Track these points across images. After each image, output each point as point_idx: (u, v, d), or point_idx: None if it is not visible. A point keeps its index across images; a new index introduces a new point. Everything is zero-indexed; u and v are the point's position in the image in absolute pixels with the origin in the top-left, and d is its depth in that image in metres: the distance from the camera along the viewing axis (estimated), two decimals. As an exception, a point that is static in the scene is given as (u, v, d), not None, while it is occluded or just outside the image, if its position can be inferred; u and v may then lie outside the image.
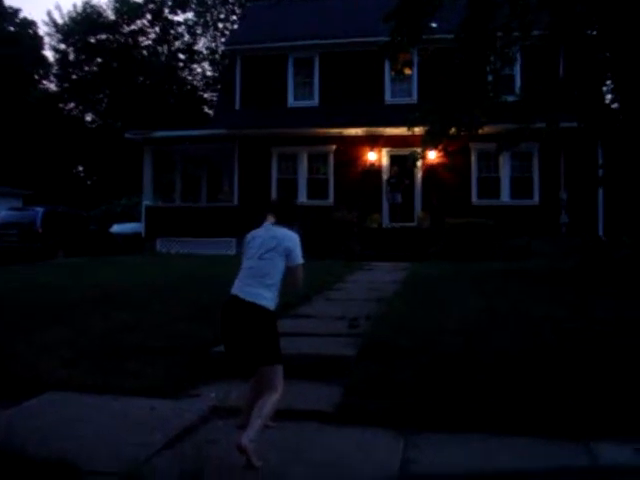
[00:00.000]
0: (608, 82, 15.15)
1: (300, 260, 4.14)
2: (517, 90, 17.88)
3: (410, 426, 4.34)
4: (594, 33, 13.23)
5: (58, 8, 57.40)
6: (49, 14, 47.83)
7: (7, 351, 5.95)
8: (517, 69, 19.79)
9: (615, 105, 15.52)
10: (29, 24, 47.76)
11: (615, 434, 4.13)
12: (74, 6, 47.04)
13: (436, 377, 5.04)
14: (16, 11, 47.50)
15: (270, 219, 4.25)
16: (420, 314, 7.39)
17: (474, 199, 19.82)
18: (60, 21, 46.23)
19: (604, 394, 4.59)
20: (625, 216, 16.91)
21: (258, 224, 4.32)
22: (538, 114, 12.97)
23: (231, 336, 4.12)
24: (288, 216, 4.28)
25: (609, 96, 16.64)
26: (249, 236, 4.26)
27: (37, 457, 3.66)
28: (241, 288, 4.07)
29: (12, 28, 46.90)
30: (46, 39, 47.33)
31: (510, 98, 14.56)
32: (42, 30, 47.79)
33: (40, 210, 20.02)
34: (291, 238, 4.14)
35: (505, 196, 19.80)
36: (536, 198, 19.54)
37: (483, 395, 4.65)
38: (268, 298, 4.03)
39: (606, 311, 7.32)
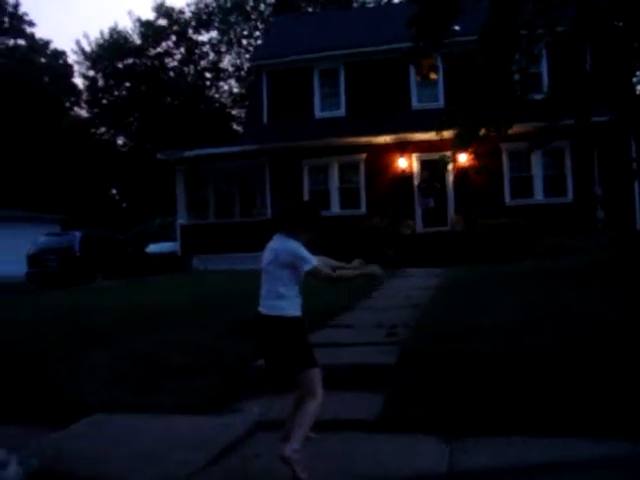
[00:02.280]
0: (638, 73, 14.94)
1: (308, 266, 3.95)
2: (545, 87, 17.73)
3: (452, 431, 4.31)
4: (620, 24, 13.06)
5: (86, 36, 58.56)
6: (77, 43, 48.74)
7: (53, 374, 6.05)
8: (544, 66, 19.63)
9: (646, 96, 15.27)
10: (59, 54, 48.88)
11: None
12: (101, 33, 47.94)
13: (476, 381, 5.00)
14: (47, 43, 48.68)
15: None
16: (457, 319, 7.34)
17: (507, 199, 19.67)
18: (88, 49, 47.28)
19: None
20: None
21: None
22: (568, 110, 12.83)
23: (263, 351, 4.18)
24: (286, 224, 4.09)
25: (639, 87, 16.40)
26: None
27: (84, 478, 3.72)
28: (261, 303, 4.09)
29: (43, 59, 47.99)
30: (75, 67, 48.45)
31: (538, 96, 14.43)
32: (71, 59, 48.85)
33: (77, 234, 20.34)
34: (287, 250, 4.00)
35: (539, 195, 19.61)
36: (570, 195, 19.32)
37: (525, 396, 4.60)
38: (284, 307, 3.99)
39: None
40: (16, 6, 47.04)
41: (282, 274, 4.00)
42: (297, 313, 4.04)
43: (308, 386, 3.98)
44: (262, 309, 4.07)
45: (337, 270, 4.23)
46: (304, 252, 4.01)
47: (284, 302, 4.01)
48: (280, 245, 4.06)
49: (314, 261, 4.00)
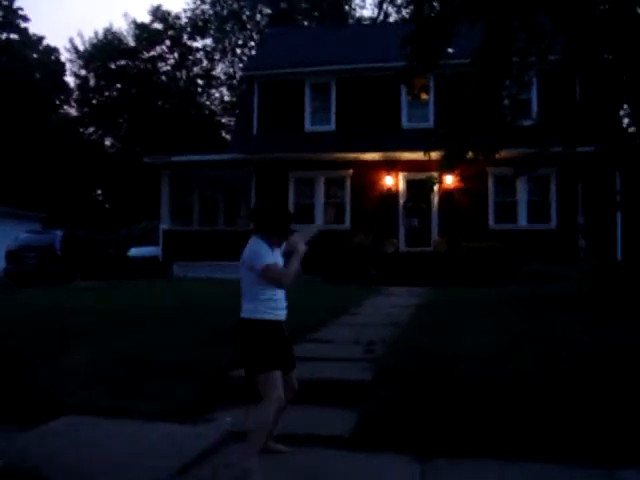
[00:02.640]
0: (625, 106, 15.14)
1: (259, 265, 4.02)
2: (534, 114, 17.91)
3: (426, 451, 4.32)
4: (610, 57, 13.24)
5: (80, 35, 58.24)
6: (71, 41, 48.45)
7: (26, 373, 5.99)
8: (534, 93, 19.82)
9: (632, 129, 15.48)
10: (52, 51, 48.65)
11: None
12: (95, 33, 47.78)
13: (452, 402, 5.01)
14: (40, 39, 48.43)
15: None
16: (436, 339, 7.36)
17: (491, 223, 19.78)
18: (81, 48, 47.07)
19: (626, 420, 4.53)
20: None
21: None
22: (555, 138, 12.96)
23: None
24: (258, 225, 4.17)
25: (626, 120, 16.62)
26: None
27: (53, 480, 3.68)
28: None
29: (35, 55, 47.77)
30: (68, 65, 48.19)
31: (527, 122, 14.56)
32: (64, 56, 48.60)
33: (59, 233, 20.19)
34: (249, 251, 4.12)
35: (522, 220, 19.75)
36: (553, 222, 19.47)
37: (500, 420, 4.62)
38: (251, 309, 4.09)
39: (625, 337, 7.24)
40: (11, 0, 46.88)
41: (251, 276, 4.09)
42: (264, 316, 4.08)
43: (261, 389, 3.99)
44: (240, 313, 4.16)
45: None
46: (261, 251, 4.06)
47: (253, 304, 4.08)
48: (247, 247, 4.16)
49: (267, 260, 4.04)
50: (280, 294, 4.16)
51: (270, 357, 4.01)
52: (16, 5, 47.06)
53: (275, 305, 4.11)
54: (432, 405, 4.97)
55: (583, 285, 13.71)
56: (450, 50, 13.49)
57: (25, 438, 4.62)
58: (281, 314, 4.17)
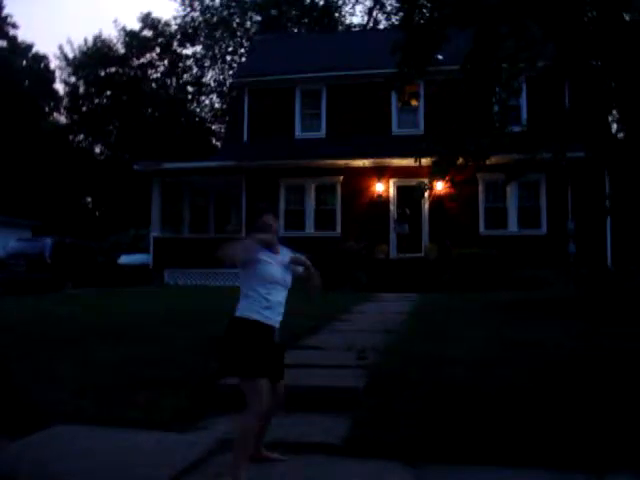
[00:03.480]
0: (614, 112, 15.21)
1: None
2: (524, 120, 17.98)
3: (419, 458, 4.30)
4: (599, 64, 13.32)
5: (69, 42, 57.95)
6: (60, 48, 48.27)
7: (17, 382, 5.93)
8: (523, 99, 19.91)
9: (621, 135, 15.56)
10: (41, 58, 48.53)
11: (633, 467, 4.07)
12: (85, 40, 47.72)
13: (445, 409, 4.99)
14: (29, 46, 48.30)
15: None
16: (428, 345, 7.35)
17: (482, 229, 19.83)
18: (71, 55, 47.01)
19: (617, 425, 4.53)
20: (633, 246, 16.88)
21: None
22: (545, 144, 13.01)
23: None
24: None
25: (615, 126, 16.69)
26: None
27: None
28: None
29: (24, 62, 47.63)
30: (57, 72, 48.11)
31: (517, 128, 14.62)
32: (53, 64, 48.53)
33: (49, 241, 20.14)
34: None
35: (512, 226, 19.81)
36: (544, 228, 19.54)
37: (491, 426, 4.60)
38: (241, 307, 4.00)
39: (614, 341, 7.27)
40: (0, 8, 46.75)
41: (242, 273, 4.04)
42: (251, 315, 3.94)
43: (247, 396, 3.85)
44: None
45: None
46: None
47: (243, 302, 4.00)
48: None
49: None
50: (276, 296, 3.98)
51: (255, 363, 3.84)
52: (5, 13, 46.96)
53: (267, 305, 3.94)
54: (425, 412, 4.95)
55: (573, 291, 13.75)
56: (440, 57, 13.57)
57: (15, 448, 4.57)
58: (274, 319, 3.98)
